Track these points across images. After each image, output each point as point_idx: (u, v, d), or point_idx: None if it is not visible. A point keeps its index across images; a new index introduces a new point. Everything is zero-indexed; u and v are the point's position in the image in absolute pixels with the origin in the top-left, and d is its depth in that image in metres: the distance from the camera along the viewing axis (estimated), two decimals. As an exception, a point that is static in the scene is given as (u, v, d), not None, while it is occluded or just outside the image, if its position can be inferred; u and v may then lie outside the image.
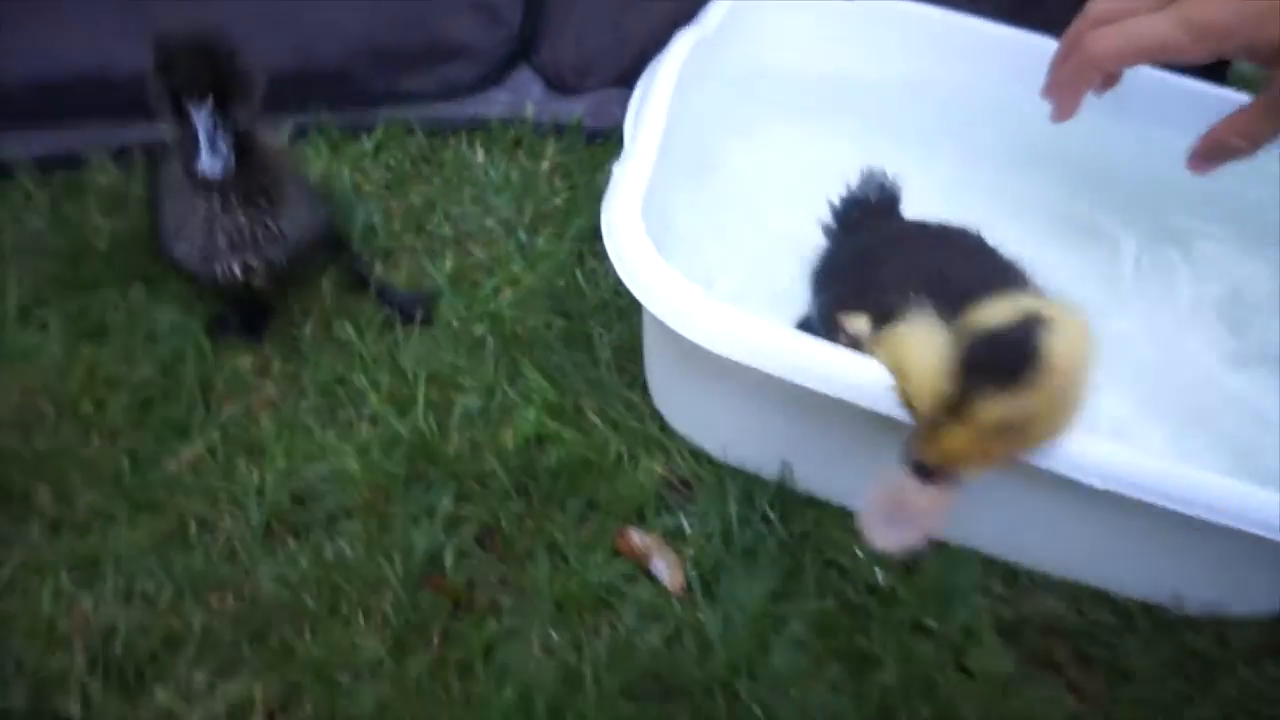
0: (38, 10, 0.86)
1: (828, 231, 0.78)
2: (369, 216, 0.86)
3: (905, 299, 0.51)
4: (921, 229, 0.73)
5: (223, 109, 0.63)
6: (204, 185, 0.65)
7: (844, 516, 0.69)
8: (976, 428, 0.43)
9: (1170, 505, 0.55)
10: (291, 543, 0.65)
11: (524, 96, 0.96)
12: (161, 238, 0.72)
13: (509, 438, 0.70)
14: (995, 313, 0.45)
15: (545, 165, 0.92)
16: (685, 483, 0.70)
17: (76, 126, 0.90)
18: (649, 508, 0.68)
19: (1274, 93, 0.58)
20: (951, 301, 0.48)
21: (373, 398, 0.73)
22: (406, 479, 0.68)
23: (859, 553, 0.67)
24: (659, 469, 0.70)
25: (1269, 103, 0.59)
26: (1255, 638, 0.66)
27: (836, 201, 0.78)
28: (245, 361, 0.76)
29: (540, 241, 0.86)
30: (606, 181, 0.67)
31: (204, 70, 0.62)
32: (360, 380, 0.74)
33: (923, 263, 0.64)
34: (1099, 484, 0.55)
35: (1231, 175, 0.72)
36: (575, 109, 0.95)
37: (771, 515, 0.67)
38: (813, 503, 0.69)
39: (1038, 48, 0.77)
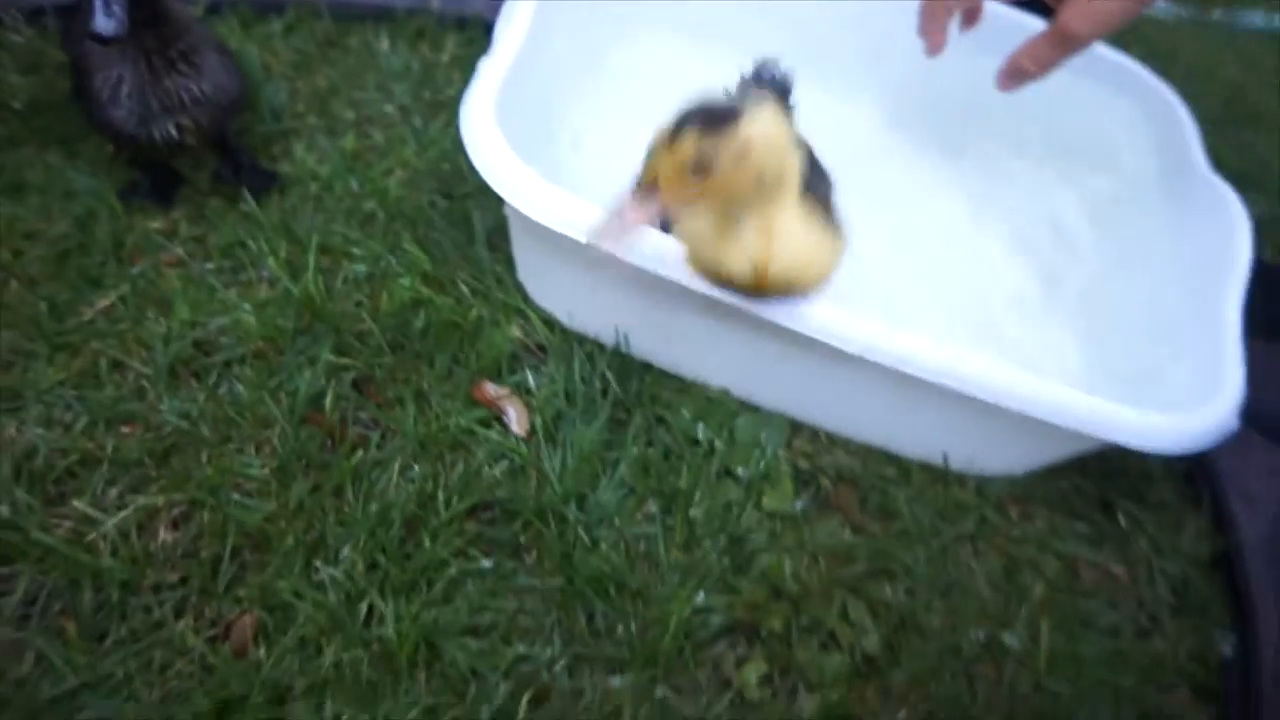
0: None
1: None
2: (275, 95, 0.92)
3: None
4: None
5: None
6: (101, 42, 0.68)
7: (672, 380, 0.80)
8: (677, 157, 0.55)
9: (925, 377, 0.67)
10: (193, 383, 0.75)
11: (431, -12, 1.00)
12: (94, 107, 0.77)
13: (387, 301, 0.80)
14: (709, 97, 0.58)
15: (445, 57, 0.98)
16: (541, 347, 0.81)
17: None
18: (505, 365, 0.78)
19: (1057, 25, 0.68)
20: None
21: (270, 261, 0.81)
22: (295, 332, 0.77)
23: (684, 411, 0.78)
24: (516, 333, 0.80)
25: (1053, 33, 0.69)
26: (1004, 490, 0.80)
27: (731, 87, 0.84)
28: (155, 223, 0.84)
29: (434, 128, 0.93)
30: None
31: None
32: (260, 246, 0.83)
33: None
34: (860, 352, 0.66)
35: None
36: (477, 3, 1.00)
37: (609, 376, 0.78)
38: (648, 368, 0.80)
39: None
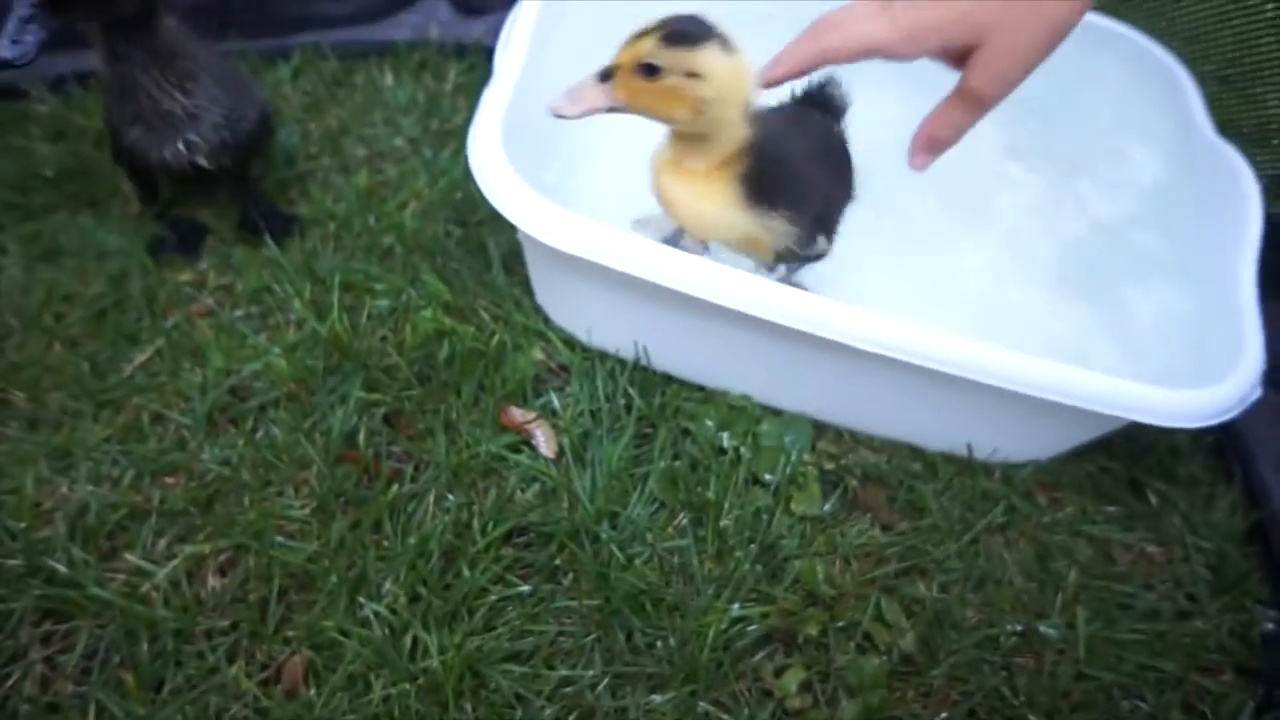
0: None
1: None
2: (289, 139, 0.95)
3: None
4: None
5: (54, 4, 0.67)
6: (5, 65, 0.67)
7: (694, 390, 0.81)
8: (635, 52, 0.61)
9: (944, 370, 0.67)
10: (231, 430, 0.77)
11: (431, 18, 1.02)
12: (116, 134, 0.80)
13: (411, 334, 0.81)
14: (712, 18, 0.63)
15: (449, 86, 1.00)
16: (563, 367, 0.82)
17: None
18: (529, 389, 0.80)
19: (965, 88, 0.65)
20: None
21: (296, 303, 0.84)
22: (325, 371, 0.79)
23: (708, 421, 0.79)
24: (539, 355, 0.82)
25: (963, 96, 0.66)
26: (1031, 477, 0.80)
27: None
28: (184, 276, 0.86)
29: (443, 157, 0.95)
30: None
31: None
32: (285, 289, 0.85)
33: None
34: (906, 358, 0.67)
35: None
36: (476, 29, 1.01)
37: (632, 391, 0.79)
38: (670, 379, 0.81)
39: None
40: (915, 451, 0.81)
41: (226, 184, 0.87)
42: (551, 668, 0.66)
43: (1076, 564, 0.75)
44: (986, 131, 1.02)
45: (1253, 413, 0.70)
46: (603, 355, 0.82)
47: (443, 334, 0.82)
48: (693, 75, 0.61)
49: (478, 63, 1.02)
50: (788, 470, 0.77)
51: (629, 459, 0.77)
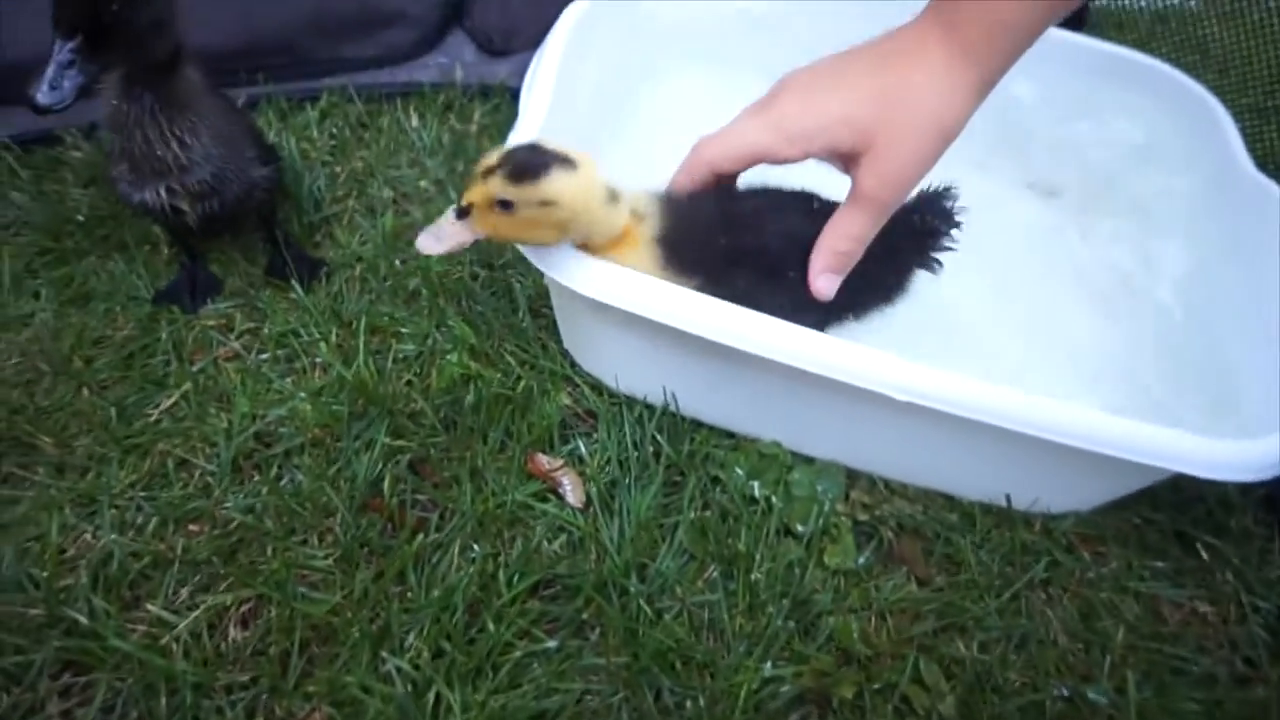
0: (8, 2, 0.94)
1: None
2: (315, 182, 0.95)
3: None
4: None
5: (94, 49, 0.67)
6: (38, 111, 0.67)
7: (723, 436, 0.79)
8: (485, 192, 0.64)
9: (993, 422, 0.65)
10: (255, 476, 0.77)
11: (456, 60, 1.02)
12: (107, 166, 0.79)
13: (437, 378, 0.81)
14: (551, 141, 0.66)
15: (474, 127, 1.00)
16: (590, 413, 0.81)
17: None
18: (556, 435, 0.78)
19: (857, 194, 0.64)
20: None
21: (322, 347, 0.83)
22: (350, 417, 0.79)
23: (738, 469, 0.77)
24: (566, 401, 0.81)
25: (856, 203, 0.64)
26: (1072, 529, 0.77)
27: None
28: (212, 320, 0.86)
29: (469, 198, 0.94)
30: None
31: (80, 11, 0.66)
32: (311, 333, 0.85)
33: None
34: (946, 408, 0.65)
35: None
36: (501, 70, 1.01)
37: (660, 438, 0.78)
38: (698, 426, 0.80)
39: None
40: (951, 501, 0.79)
41: (221, 235, 0.87)
42: (578, 729, 0.64)
43: (1124, 623, 0.72)
44: (1009, 169, 1.02)
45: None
46: (630, 401, 0.80)
47: (469, 379, 0.81)
48: (545, 204, 0.63)
49: (503, 103, 1.03)
50: (820, 521, 0.75)
51: (658, 509, 0.75)
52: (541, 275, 0.86)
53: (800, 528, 0.75)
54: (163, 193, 0.78)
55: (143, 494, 0.75)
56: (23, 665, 0.64)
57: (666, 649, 0.67)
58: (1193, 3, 1.24)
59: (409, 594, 0.70)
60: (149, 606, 0.69)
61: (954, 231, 0.76)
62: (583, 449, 0.78)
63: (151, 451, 0.77)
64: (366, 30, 1.02)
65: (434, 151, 0.98)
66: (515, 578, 0.71)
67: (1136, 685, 0.68)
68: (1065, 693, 0.68)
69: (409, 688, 0.65)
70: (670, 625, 0.69)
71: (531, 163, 0.63)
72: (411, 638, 0.67)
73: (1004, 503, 0.77)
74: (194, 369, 0.82)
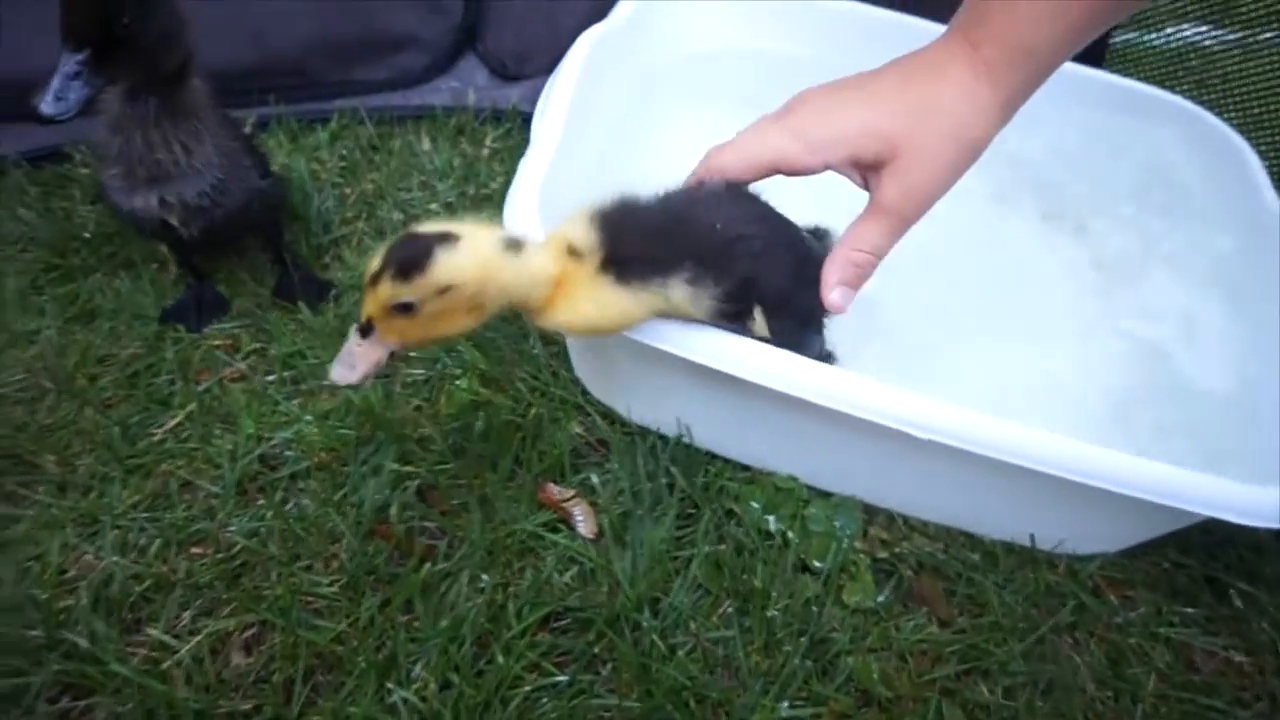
0: (20, 16, 0.93)
1: None
2: (324, 202, 0.94)
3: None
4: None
5: (102, 62, 0.66)
6: (42, 122, 0.67)
7: (738, 469, 0.78)
8: (379, 300, 0.58)
9: (1017, 461, 0.64)
10: (260, 500, 0.75)
11: (469, 84, 1.02)
12: (98, 168, 0.77)
13: (446, 403, 0.79)
14: (427, 225, 0.59)
15: (485, 151, 0.99)
16: (602, 442, 0.79)
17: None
18: (567, 464, 0.77)
19: (878, 205, 0.62)
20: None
21: (329, 369, 0.81)
22: (357, 441, 0.77)
23: (753, 503, 0.75)
24: (577, 429, 0.79)
25: (877, 214, 0.63)
26: (1099, 571, 0.75)
27: None
28: (217, 340, 0.85)
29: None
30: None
31: (89, 25, 0.65)
32: (318, 355, 0.83)
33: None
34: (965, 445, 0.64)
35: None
36: (513, 95, 1.01)
37: (674, 470, 0.76)
38: (713, 458, 0.78)
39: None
40: (973, 540, 0.77)
41: (223, 250, 0.86)
42: (589, 770, 0.62)
43: (1155, 670, 0.70)
44: (1029, 202, 1.01)
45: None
46: (643, 431, 0.79)
47: (478, 405, 0.80)
48: (445, 290, 0.57)
49: (514, 128, 1.02)
50: (838, 558, 0.73)
51: (671, 541, 0.73)
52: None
53: (818, 564, 0.73)
54: (154, 202, 0.76)
55: (145, 515, 0.73)
56: (20, 688, 0.62)
57: (681, 686, 0.65)
58: (1208, 41, 1.24)
59: (416, 623, 0.68)
60: (150, 630, 0.67)
61: None
62: (595, 479, 0.76)
63: (155, 472, 0.76)
64: (378, 53, 1.01)
65: (445, 175, 0.98)
66: (525, 609, 0.69)
67: (1168, 736, 0.66)
68: (1094, 742, 0.66)
69: (415, 721, 0.63)
70: (684, 662, 0.67)
71: (414, 254, 0.57)
72: (419, 668, 0.65)
73: (1028, 543, 0.75)
74: (199, 389, 0.81)
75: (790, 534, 0.74)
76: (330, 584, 0.70)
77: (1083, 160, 1.01)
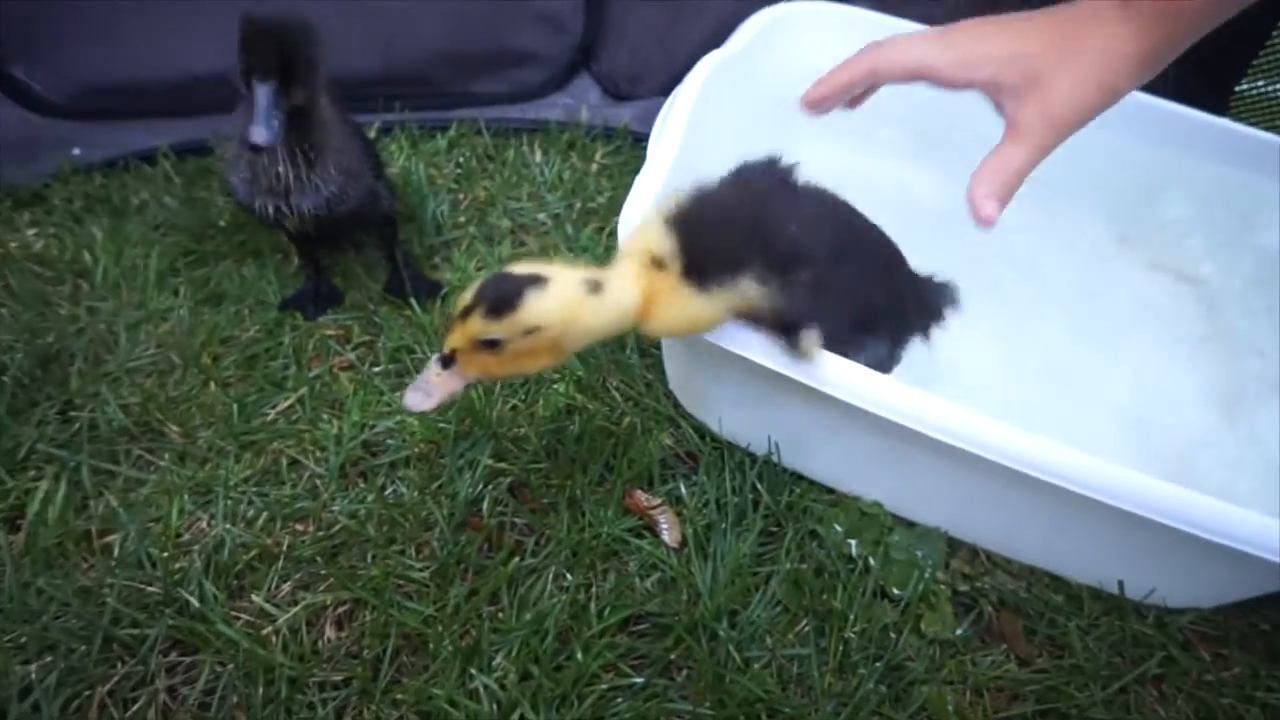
0: (167, 23, 1.01)
1: None
2: (438, 206, 0.99)
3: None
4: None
5: (286, 86, 0.72)
6: (254, 150, 0.73)
7: (823, 491, 0.78)
8: (467, 334, 0.60)
9: (1111, 501, 0.63)
10: (361, 483, 0.79)
11: (582, 101, 1.06)
12: (226, 165, 0.83)
13: (543, 406, 0.82)
14: (519, 266, 0.62)
15: (594, 166, 1.03)
16: (691, 455, 0.81)
17: (204, 117, 1.05)
18: (656, 474, 0.79)
19: (1017, 127, 0.64)
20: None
21: (434, 365, 0.85)
22: (455, 436, 0.80)
23: (836, 526, 0.76)
24: (668, 441, 0.81)
25: (1016, 136, 0.64)
26: (1190, 625, 0.73)
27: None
28: (331, 329, 0.90)
29: (585, 235, 0.97)
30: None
31: (274, 53, 0.71)
32: (424, 350, 0.87)
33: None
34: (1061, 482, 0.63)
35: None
36: (624, 114, 1.04)
37: (760, 487, 0.77)
38: (799, 478, 0.79)
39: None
40: (1058, 582, 0.76)
41: (341, 244, 0.91)
42: (660, 770, 0.63)
43: (1245, 731, 0.68)
44: (1096, 227, 0.99)
45: None
46: (731, 447, 0.80)
47: (573, 409, 0.82)
48: (531, 331, 0.60)
49: (624, 146, 1.05)
50: (919, 587, 0.73)
51: (753, 556, 0.74)
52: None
53: (897, 591, 0.73)
54: (270, 209, 0.82)
55: (255, 489, 0.77)
56: (137, 639, 0.67)
57: (755, 699, 0.66)
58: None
59: (500, 614, 0.71)
60: (253, 597, 0.71)
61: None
62: (682, 490, 0.78)
63: (266, 449, 0.80)
64: (499, 67, 1.06)
65: (554, 187, 1.01)
66: (606, 610, 0.71)
67: (1258, 801, 0.64)
68: (1177, 798, 0.64)
69: (494, 707, 0.65)
70: (759, 674, 0.67)
71: (506, 294, 0.59)
72: (500, 658, 0.68)
73: (1115, 589, 0.73)
74: (311, 374, 0.86)
75: (872, 560, 0.75)
76: (422, 569, 0.73)
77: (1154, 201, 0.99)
